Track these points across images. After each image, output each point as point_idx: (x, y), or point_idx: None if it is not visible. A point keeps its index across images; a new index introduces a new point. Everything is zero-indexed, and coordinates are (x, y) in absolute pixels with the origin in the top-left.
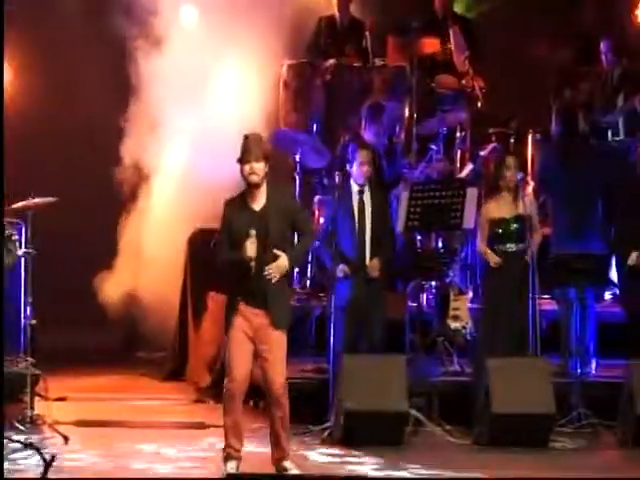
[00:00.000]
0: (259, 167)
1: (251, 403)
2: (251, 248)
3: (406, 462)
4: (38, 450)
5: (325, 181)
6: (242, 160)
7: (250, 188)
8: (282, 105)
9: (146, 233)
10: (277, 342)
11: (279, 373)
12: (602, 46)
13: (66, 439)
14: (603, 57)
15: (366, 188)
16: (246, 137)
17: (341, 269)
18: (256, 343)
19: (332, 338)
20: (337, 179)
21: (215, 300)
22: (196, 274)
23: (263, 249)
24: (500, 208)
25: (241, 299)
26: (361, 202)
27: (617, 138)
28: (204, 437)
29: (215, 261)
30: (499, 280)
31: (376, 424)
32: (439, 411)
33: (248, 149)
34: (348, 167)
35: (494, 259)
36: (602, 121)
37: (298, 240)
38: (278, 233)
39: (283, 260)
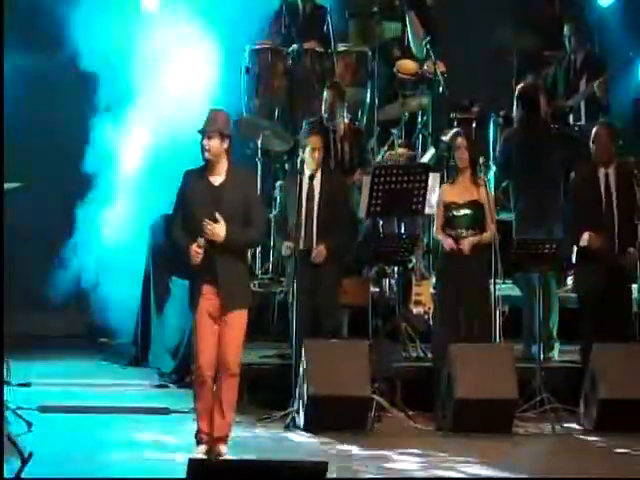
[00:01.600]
0: (210, 144)
1: None
2: (197, 256)
3: (369, 449)
4: (16, 446)
5: (287, 166)
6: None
7: (208, 162)
8: (244, 90)
9: (109, 219)
10: (233, 321)
11: (233, 352)
12: (565, 30)
13: (29, 425)
14: (566, 41)
15: (318, 173)
16: (208, 112)
17: (286, 246)
18: (218, 322)
19: (293, 323)
20: (297, 164)
21: (178, 286)
22: (159, 260)
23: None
24: (454, 191)
25: (202, 279)
26: (310, 188)
27: (578, 123)
28: (167, 422)
29: (170, 234)
30: (452, 266)
31: (339, 410)
32: (402, 396)
33: (204, 125)
34: (300, 152)
35: (448, 242)
36: (564, 105)
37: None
38: (231, 212)
39: (221, 227)
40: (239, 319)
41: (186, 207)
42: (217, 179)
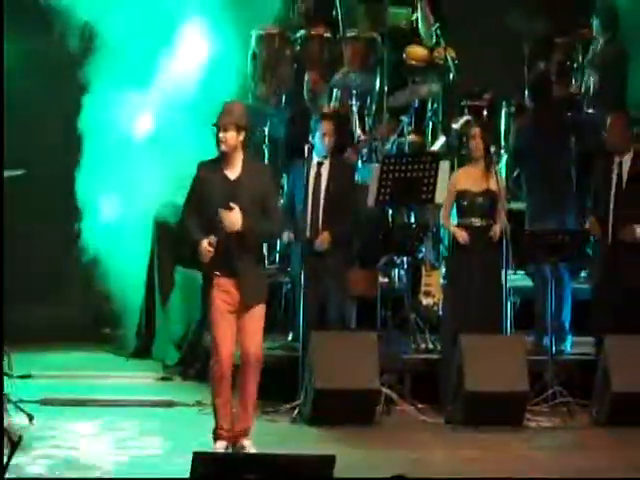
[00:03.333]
0: (226, 136)
1: None
2: (208, 254)
3: (378, 442)
4: (5, 431)
5: None
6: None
7: (224, 155)
8: (251, 76)
9: (113, 208)
10: (253, 312)
11: (254, 344)
12: (594, 18)
13: (31, 418)
14: (594, 27)
15: (327, 160)
16: (223, 104)
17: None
18: (236, 314)
19: (300, 314)
20: (306, 151)
21: (183, 276)
22: (163, 250)
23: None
24: (468, 180)
25: (216, 271)
26: (318, 174)
27: (590, 111)
28: (172, 415)
29: (181, 225)
30: (463, 256)
31: (347, 402)
32: (411, 389)
33: (219, 117)
34: (310, 138)
35: (462, 236)
36: (574, 92)
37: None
38: (248, 206)
39: (237, 215)
40: (259, 311)
41: (201, 200)
42: (233, 173)
